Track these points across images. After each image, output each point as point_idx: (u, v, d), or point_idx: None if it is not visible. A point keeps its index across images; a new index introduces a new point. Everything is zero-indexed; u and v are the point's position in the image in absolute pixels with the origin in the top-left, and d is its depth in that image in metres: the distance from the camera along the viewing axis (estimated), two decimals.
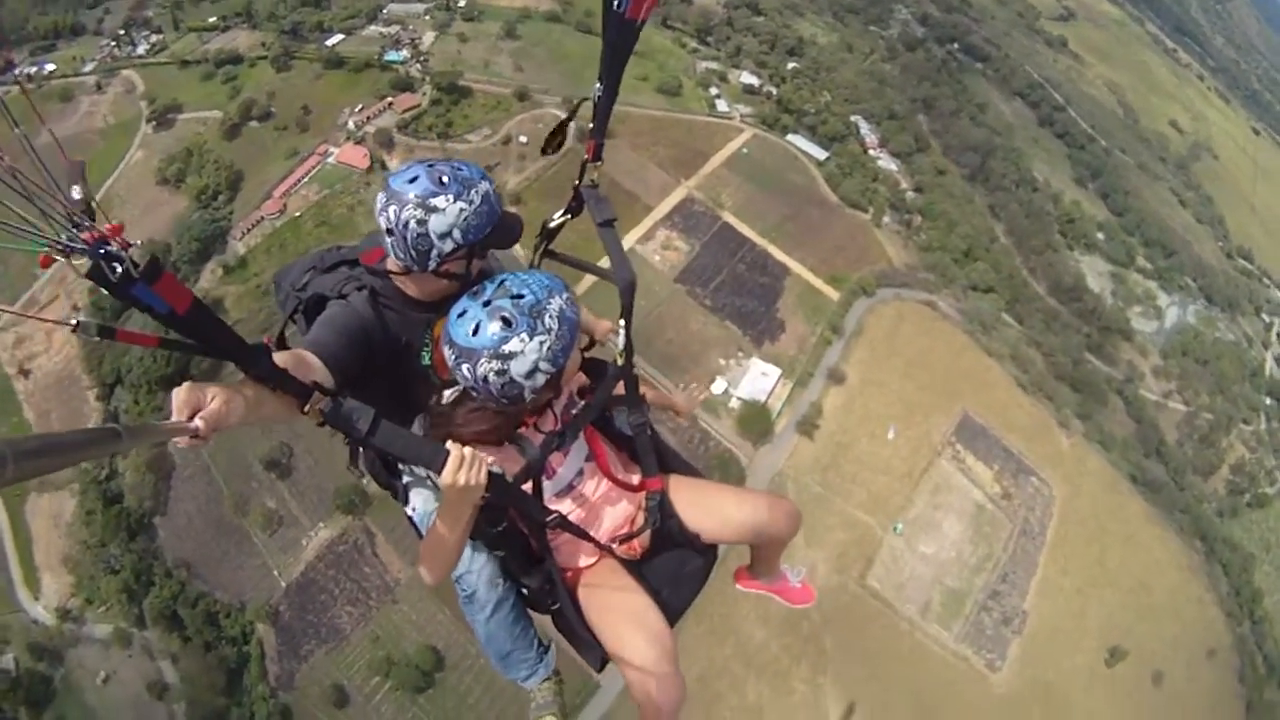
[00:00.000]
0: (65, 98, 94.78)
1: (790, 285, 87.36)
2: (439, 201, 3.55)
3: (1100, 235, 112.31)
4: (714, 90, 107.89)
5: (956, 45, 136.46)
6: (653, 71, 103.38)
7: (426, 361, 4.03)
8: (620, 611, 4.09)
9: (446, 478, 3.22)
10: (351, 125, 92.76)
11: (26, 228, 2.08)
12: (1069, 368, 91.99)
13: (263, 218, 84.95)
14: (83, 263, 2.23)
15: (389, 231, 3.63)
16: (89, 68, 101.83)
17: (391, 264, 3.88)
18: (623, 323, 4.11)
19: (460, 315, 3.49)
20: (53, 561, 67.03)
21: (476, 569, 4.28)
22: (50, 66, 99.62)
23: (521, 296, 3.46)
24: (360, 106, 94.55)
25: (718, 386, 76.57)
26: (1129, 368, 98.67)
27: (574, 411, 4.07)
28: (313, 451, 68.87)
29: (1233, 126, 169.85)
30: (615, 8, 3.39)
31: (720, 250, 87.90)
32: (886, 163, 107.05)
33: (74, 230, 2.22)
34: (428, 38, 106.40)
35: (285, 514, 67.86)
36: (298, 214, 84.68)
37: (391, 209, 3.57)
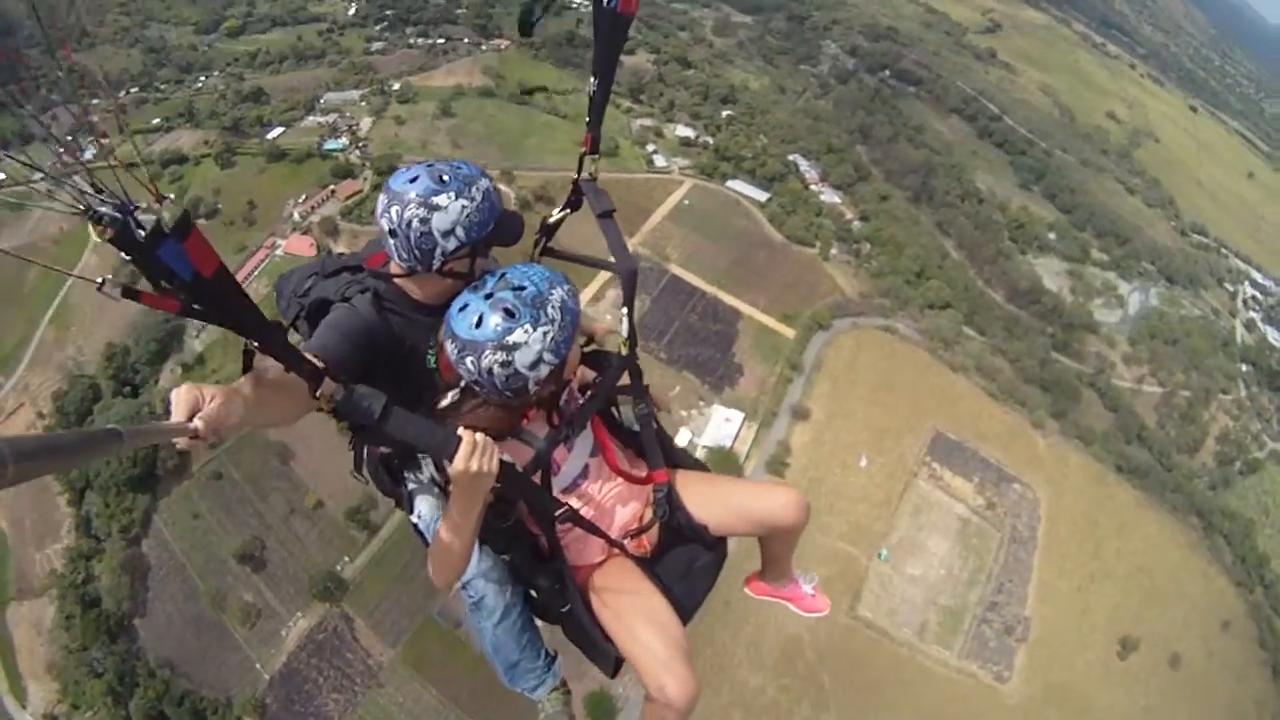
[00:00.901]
0: (16, 208, 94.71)
1: (744, 329, 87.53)
2: (441, 199, 3.61)
3: (1052, 235, 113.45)
4: (650, 146, 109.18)
5: (888, 72, 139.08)
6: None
7: (432, 364, 3.87)
8: (633, 609, 4.07)
9: (459, 464, 3.25)
10: (296, 216, 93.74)
11: (55, 194, 2.18)
12: (1037, 370, 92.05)
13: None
14: (102, 229, 2.22)
15: (391, 233, 3.67)
16: (39, 176, 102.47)
17: (395, 266, 3.94)
18: (625, 312, 4.19)
19: (462, 309, 3.53)
20: (37, 669, 65.62)
21: (484, 573, 4.29)
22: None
23: (523, 288, 3.50)
24: (304, 197, 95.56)
25: (681, 438, 74.87)
26: (1098, 360, 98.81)
27: (579, 403, 4.09)
28: (285, 543, 68.79)
29: (1170, 108, 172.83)
30: (606, 4, 3.57)
31: (670, 302, 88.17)
32: (829, 196, 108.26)
33: (99, 194, 2.27)
34: (365, 123, 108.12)
35: (263, 606, 67.11)
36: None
37: (394, 210, 3.61)
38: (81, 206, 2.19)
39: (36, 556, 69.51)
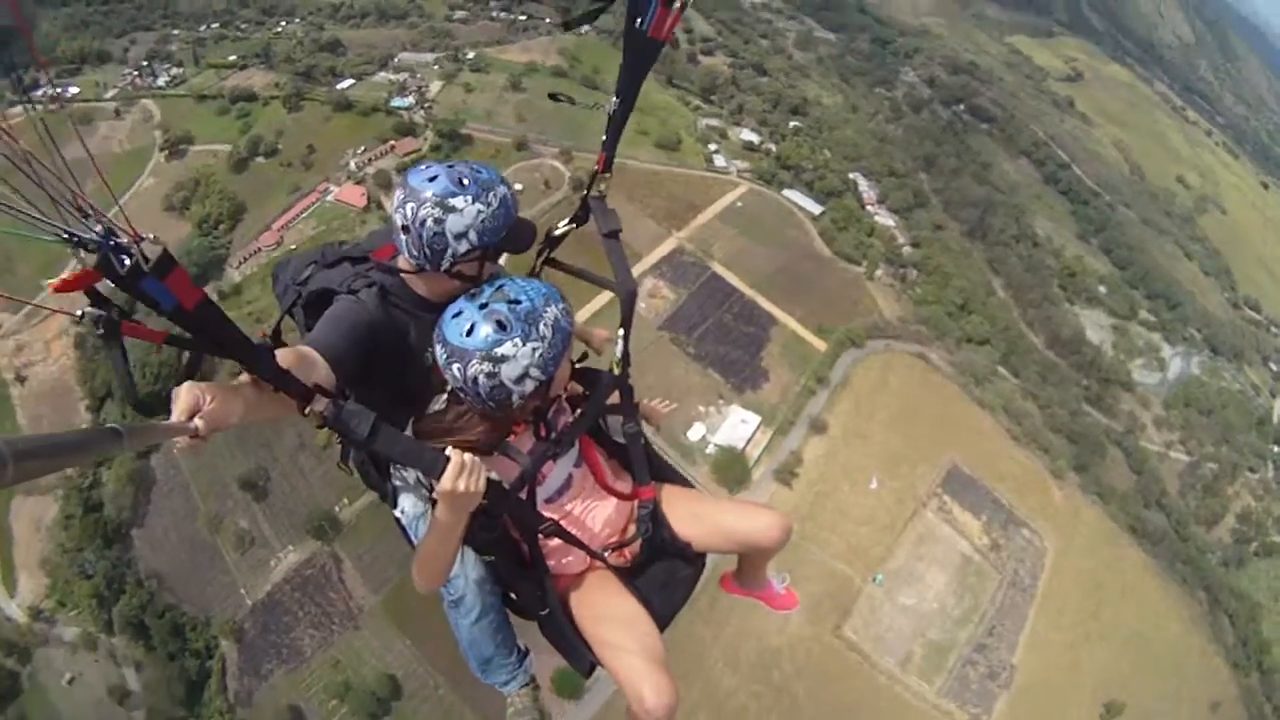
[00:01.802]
0: (85, 120, 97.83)
1: (776, 335, 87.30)
2: (457, 202, 3.59)
3: (1102, 289, 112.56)
4: (713, 146, 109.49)
5: (962, 106, 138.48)
6: (654, 127, 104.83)
7: (430, 363, 3.83)
8: (611, 618, 4.10)
9: (446, 484, 3.25)
10: (353, 166, 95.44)
11: (39, 218, 2.13)
12: (1066, 420, 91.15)
13: (260, 249, 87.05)
14: (91, 257, 2.22)
15: (404, 228, 3.65)
16: (110, 94, 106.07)
17: (403, 262, 3.91)
18: (621, 331, 4.23)
19: (455, 315, 3.53)
20: (30, 563, 68.12)
21: (465, 573, 4.30)
22: (74, 89, 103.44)
23: (518, 302, 3.51)
24: (363, 148, 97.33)
25: (695, 433, 76.04)
26: (1130, 419, 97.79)
27: (567, 419, 4.10)
28: (289, 476, 70.21)
29: (1241, 181, 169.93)
30: (638, 26, 3.51)
31: (707, 300, 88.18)
32: (884, 218, 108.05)
33: (85, 223, 2.22)
34: (434, 86, 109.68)
35: (257, 535, 68.73)
36: (293, 247, 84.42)
37: (409, 206, 3.61)
38: (64, 234, 2.19)
39: None
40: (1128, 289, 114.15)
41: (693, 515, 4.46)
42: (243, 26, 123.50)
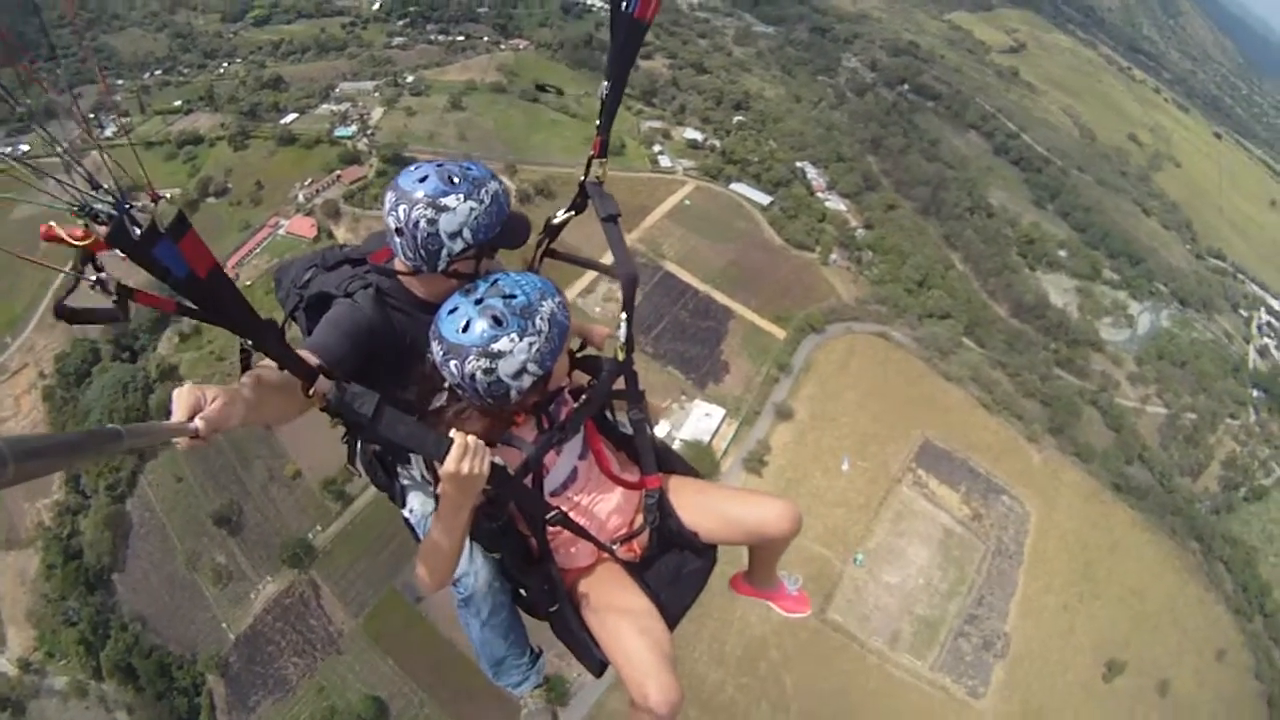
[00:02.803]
0: (37, 177, 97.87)
1: (734, 328, 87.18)
2: (449, 200, 3.51)
3: (1062, 253, 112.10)
4: (657, 147, 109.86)
5: (906, 86, 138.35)
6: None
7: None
8: (618, 613, 4.06)
9: (449, 466, 3.22)
10: (301, 198, 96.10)
11: (48, 190, 2.11)
12: (1037, 384, 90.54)
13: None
14: (101, 229, 2.16)
15: (398, 231, 3.57)
16: (60, 149, 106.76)
17: (399, 264, 3.89)
18: (624, 317, 4.09)
19: (451, 312, 3.47)
20: (18, 616, 68.00)
21: (475, 570, 4.25)
22: (24, 147, 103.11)
23: (514, 297, 3.45)
24: (310, 180, 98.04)
25: (659, 431, 74.63)
26: (1102, 378, 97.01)
27: (570, 409, 4.03)
28: (261, 508, 70.23)
29: (1193, 134, 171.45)
30: (624, 9, 3.44)
31: (662, 299, 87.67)
32: (835, 203, 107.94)
33: (96, 191, 2.21)
34: (376, 113, 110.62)
35: (234, 569, 68.81)
36: (249, 283, 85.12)
37: (401, 208, 3.51)
38: (78, 203, 2.23)
39: (27, 509, 71.56)
40: (1088, 250, 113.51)
41: (700, 505, 4.43)
42: (185, 71, 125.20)
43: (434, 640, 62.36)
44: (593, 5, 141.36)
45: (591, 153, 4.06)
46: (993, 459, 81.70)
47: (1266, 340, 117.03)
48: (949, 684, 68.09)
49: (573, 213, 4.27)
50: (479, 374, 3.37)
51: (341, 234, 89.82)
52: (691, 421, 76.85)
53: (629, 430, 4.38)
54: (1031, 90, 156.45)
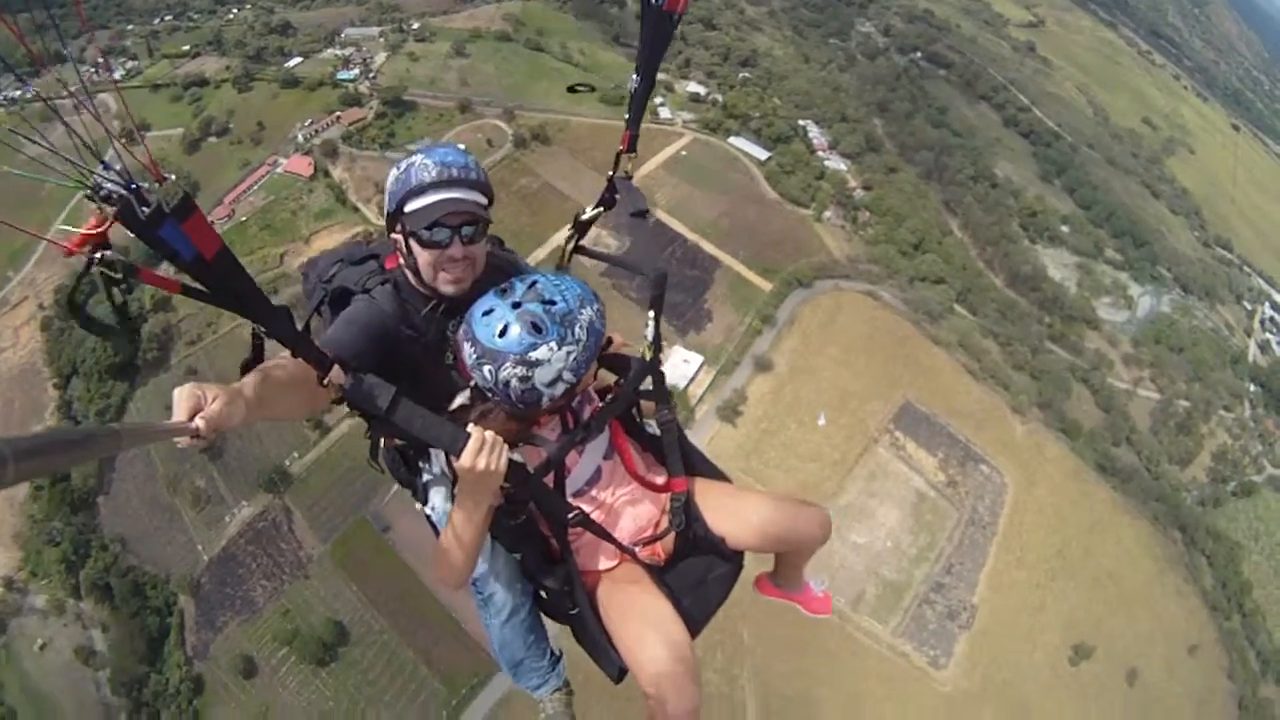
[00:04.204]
0: (45, 118, 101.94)
1: (721, 278, 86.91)
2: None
3: (1065, 228, 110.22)
4: (658, 99, 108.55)
5: (919, 54, 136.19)
6: (599, 84, 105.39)
7: (450, 361, 3.82)
8: (640, 618, 3.86)
9: (466, 461, 3.15)
10: (300, 138, 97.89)
11: (57, 165, 2.06)
12: (1028, 357, 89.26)
13: (212, 222, 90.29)
14: (109, 209, 2.16)
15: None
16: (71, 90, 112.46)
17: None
18: (652, 314, 3.99)
19: (486, 314, 3.36)
20: (4, 537, 69.45)
21: (496, 570, 4.15)
22: (34, 89, 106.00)
23: (554, 303, 3.35)
24: (310, 121, 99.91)
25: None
26: (1096, 356, 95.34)
27: (595, 407, 3.92)
28: (243, 434, 70.90)
29: (1211, 124, 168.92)
30: (654, 1, 3.38)
31: (650, 246, 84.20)
32: (835, 163, 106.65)
33: (104, 167, 2.16)
34: (379, 58, 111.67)
35: (213, 492, 69.93)
36: (244, 219, 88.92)
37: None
38: (87, 183, 2.16)
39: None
40: (1092, 228, 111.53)
41: (729, 510, 4.25)
42: (195, 16, 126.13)
43: (398, 570, 63.71)
44: None
45: (621, 147, 3.99)
46: (974, 427, 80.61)
47: (1269, 335, 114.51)
48: (910, 651, 67.42)
49: (602, 208, 4.26)
50: (514, 381, 3.26)
51: (338, 173, 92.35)
52: (669, 367, 73.77)
53: (656, 431, 4.19)
54: (1047, 65, 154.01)
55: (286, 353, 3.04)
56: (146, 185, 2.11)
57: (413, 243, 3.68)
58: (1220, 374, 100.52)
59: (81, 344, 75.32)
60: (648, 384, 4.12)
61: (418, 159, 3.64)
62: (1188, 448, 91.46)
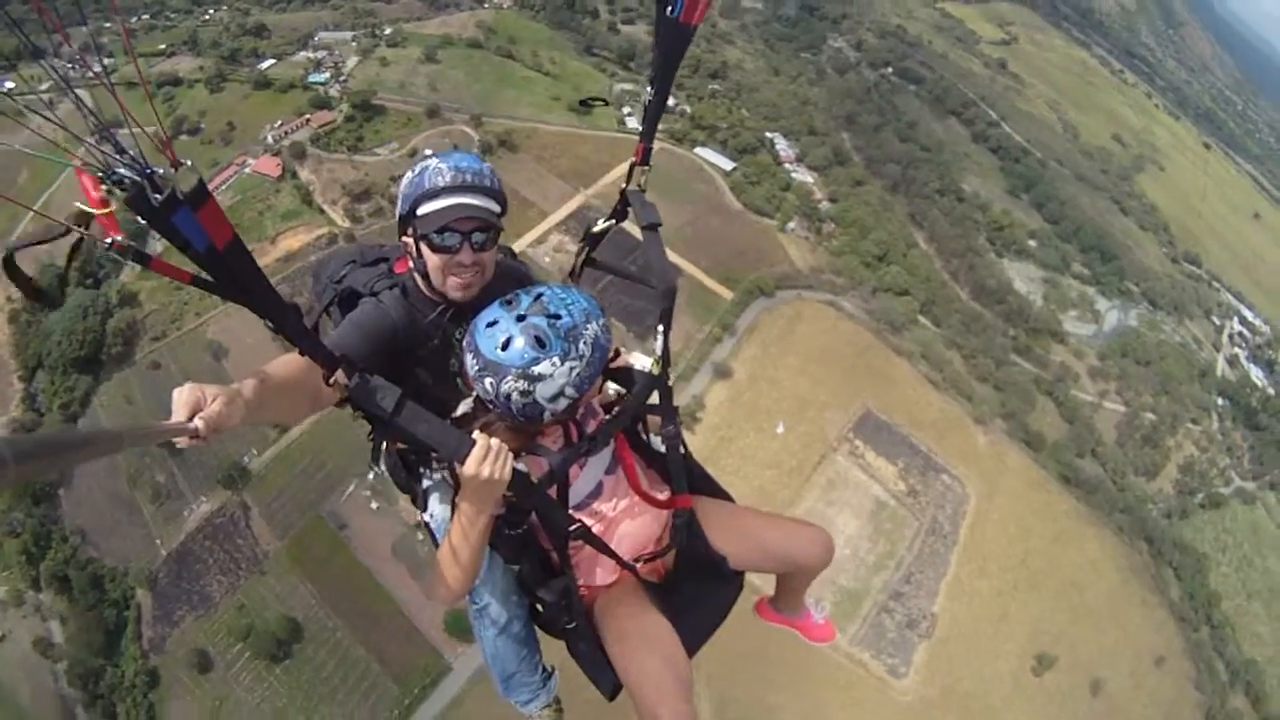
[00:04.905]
0: (18, 114, 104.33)
1: (681, 285, 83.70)
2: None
3: (1032, 243, 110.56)
4: (626, 110, 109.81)
5: (890, 69, 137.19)
6: (567, 92, 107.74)
7: (455, 368, 3.89)
8: (637, 635, 3.86)
9: (470, 467, 3.10)
10: (270, 139, 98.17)
11: (73, 149, 2.10)
12: (992, 368, 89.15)
13: None
14: (121, 193, 2.12)
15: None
16: (44, 86, 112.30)
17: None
18: (661, 328, 3.92)
19: (490, 325, 3.31)
20: None
21: (493, 581, 4.13)
22: (9, 84, 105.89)
23: (559, 317, 3.31)
24: (280, 122, 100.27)
25: None
26: (1061, 369, 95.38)
27: (602, 419, 3.89)
28: None
29: (1182, 141, 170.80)
30: (670, 13, 3.30)
31: (612, 253, 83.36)
32: (801, 175, 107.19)
33: (117, 153, 2.13)
34: (351, 62, 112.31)
35: (172, 488, 69.99)
36: None
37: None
38: (101, 168, 2.14)
39: None
40: (1060, 243, 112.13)
41: (732, 530, 4.27)
42: (171, 16, 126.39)
43: (353, 568, 64.31)
44: None
45: (634, 160, 3.91)
46: (936, 436, 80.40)
47: (1237, 350, 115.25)
48: (868, 659, 66.77)
49: (614, 221, 4.24)
50: (515, 395, 3.22)
51: (305, 175, 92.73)
52: None
53: (661, 447, 4.11)
54: (1019, 83, 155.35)
55: (287, 354, 3.04)
56: (161, 171, 2.03)
57: (423, 246, 3.70)
58: (1188, 387, 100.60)
59: (48, 337, 75.19)
60: (655, 398, 4.04)
61: (433, 163, 3.66)
62: (1154, 460, 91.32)
